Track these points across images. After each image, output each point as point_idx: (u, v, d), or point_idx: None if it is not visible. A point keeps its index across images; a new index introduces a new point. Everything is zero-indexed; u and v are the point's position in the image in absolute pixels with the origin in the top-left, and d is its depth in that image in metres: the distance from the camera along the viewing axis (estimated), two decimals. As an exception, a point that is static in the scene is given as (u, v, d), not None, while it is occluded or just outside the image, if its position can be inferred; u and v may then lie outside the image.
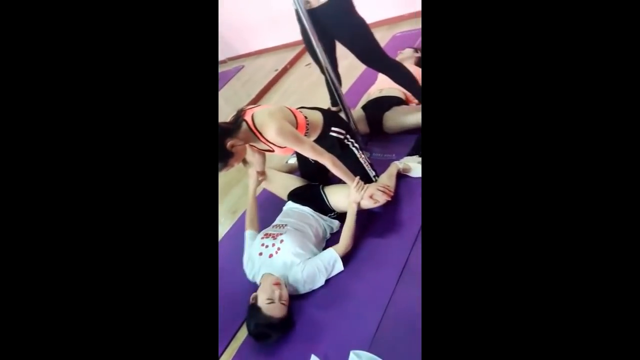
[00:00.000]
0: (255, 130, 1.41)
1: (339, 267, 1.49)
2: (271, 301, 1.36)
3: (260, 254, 1.55)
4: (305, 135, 1.55)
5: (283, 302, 1.38)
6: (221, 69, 4.60)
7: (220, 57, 4.69)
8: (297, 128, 1.50)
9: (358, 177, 1.54)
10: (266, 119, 1.40)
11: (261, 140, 1.44)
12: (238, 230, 2.05)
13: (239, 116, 1.43)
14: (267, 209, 1.89)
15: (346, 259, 1.52)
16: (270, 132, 1.38)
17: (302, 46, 3.69)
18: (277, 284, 1.41)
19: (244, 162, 1.79)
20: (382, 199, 1.54)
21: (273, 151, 1.53)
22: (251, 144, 1.48)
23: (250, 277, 1.58)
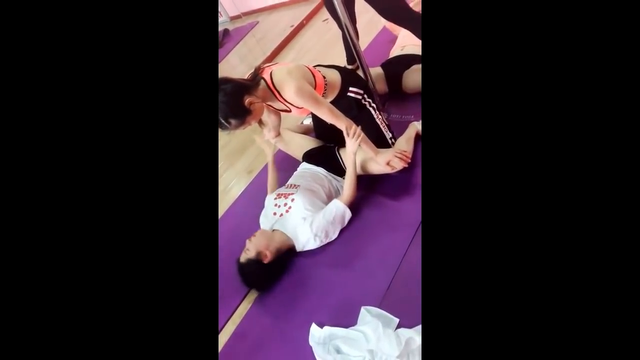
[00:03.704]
0: (273, 89, 1.39)
1: (348, 214, 1.53)
2: (244, 250, 1.50)
3: (274, 213, 1.59)
4: (323, 96, 1.52)
5: (247, 249, 1.49)
6: (235, 25, 4.46)
7: (235, 13, 4.53)
8: (315, 88, 1.46)
9: (354, 127, 1.46)
10: (285, 77, 1.37)
11: (279, 100, 1.42)
12: (254, 189, 2.09)
13: (257, 73, 1.40)
14: (282, 170, 1.90)
15: (359, 220, 1.54)
16: (289, 92, 1.36)
17: (319, 0, 3.52)
18: (252, 236, 1.52)
19: (260, 122, 1.78)
20: (399, 165, 1.52)
21: (290, 111, 1.51)
22: (268, 103, 1.46)
23: None
